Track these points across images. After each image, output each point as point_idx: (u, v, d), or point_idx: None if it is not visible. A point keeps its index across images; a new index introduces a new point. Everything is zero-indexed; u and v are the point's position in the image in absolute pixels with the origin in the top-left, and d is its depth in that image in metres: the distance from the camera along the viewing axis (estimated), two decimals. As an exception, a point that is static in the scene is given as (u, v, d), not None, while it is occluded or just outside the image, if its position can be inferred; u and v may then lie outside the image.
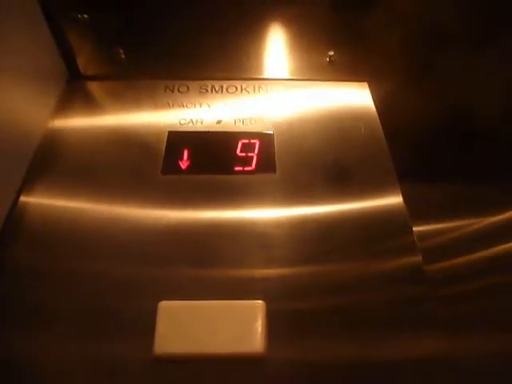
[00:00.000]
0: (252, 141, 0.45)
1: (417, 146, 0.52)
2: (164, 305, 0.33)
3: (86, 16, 0.48)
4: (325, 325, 0.34)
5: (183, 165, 0.43)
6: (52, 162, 0.43)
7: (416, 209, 0.42)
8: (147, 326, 0.32)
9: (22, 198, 0.40)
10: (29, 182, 0.41)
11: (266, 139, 0.45)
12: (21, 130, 0.42)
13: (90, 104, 0.49)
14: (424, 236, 0.46)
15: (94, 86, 0.50)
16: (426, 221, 0.48)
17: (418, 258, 0.37)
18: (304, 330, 0.33)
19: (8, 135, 0.39)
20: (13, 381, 0.31)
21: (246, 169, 0.43)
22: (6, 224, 0.38)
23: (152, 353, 0.31)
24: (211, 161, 0.44)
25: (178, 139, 0.45)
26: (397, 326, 0.34)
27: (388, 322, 0.34)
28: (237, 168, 0.43)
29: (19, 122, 0.42)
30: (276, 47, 0.53)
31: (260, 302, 0.33)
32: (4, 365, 0.31)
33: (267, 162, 0.44)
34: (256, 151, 0.44)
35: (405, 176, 0.44)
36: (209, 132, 0.46)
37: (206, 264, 0.36)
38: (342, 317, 0.34)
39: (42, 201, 0.40)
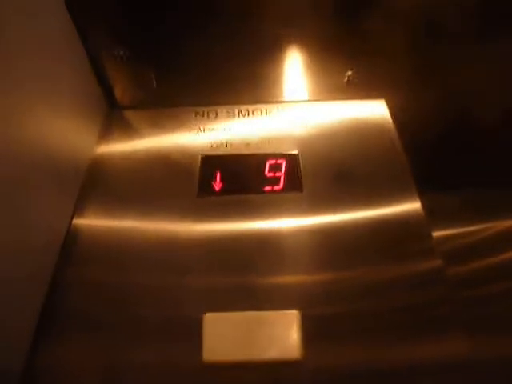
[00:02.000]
0: (279, 161, 0.49)
1: (432, 154, 0.55)
2: (209, 316, 0.37)
3: (121, 53, 0.53)
4: (353, 329, 0.37)
5: (217, 186, 0.47)
6: (99, 185, 0.47)
7: (434, 215, 0.45)
8: (193, 334, 0.36)
9: (75, 221, 0.44)
10: (80, 206, 0.46)
11: (291, 159, 0.49)
12: (69, 158, 0.46)
13: (128, 131, 0.53)
14: (443, 240, 0.49)
15: (130, 115, 0.55)
16: (444, 226, 0.51)
17: (439, 262, 0.40)
18: (335, 336, 0.37)
19: (58, 162, 0.43)
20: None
21: (275, 188, 0.47)
22: (62, 246, 0.42)
23: (201, 360, 0.35)
24: (242, 182, 0.47)
25: (211, 163, 0.49)
26: (421, 328, 0.37)
27: (412, 325, 0.37)
28: (266, 188, 0.47)
29: (67, 150, 0.46)
30: (295, 70, 0.57)
31: (295, 311, 0.37)
32: (59, 372, 0.36)
33: (294, 181, 0.47)
34: (283, 171, 0.48)
35: (423, 184, 0.47)
36: (238, 155, 0.50)
37: (242, 275, 0.40)
38: (368, 321, 0.37)
39: (92, 222, 0.45)
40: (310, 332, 0.36)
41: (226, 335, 0.36)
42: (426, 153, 0.56)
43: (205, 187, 0.47)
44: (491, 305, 0.46)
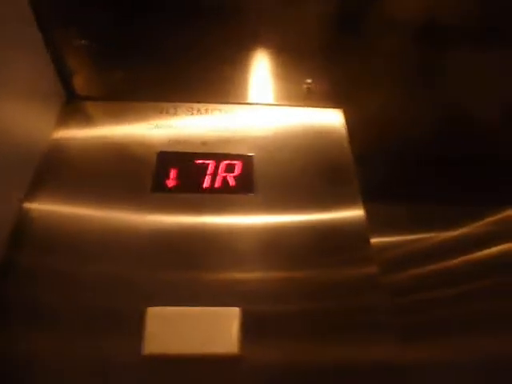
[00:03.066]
0: (234, 162, 0.50)
1: (382, 166, 0.58)
2: (152, 310, 0.37)
3: (83, 42, 0.52)
4: (291, 329, 0.39)
5: (170, 183, 0.48)
6: (53, 172, 0.47)
7: (377, 224, 0.47)
8: (135, 326, 0.37)
9: (26, 205, 0.44)
10: (32, 191, 0.45)
11: (247, 161, 0.50)
12: (22, 144, 0.46)
13: (86, 122, 0.53)
14: (382, 248, 0.52)
15: (89, 106, 0.55)
16: (385, 234, 0.54)
17: (374, 269, 0.43)
18: (274, 334, 0.38)
19: (10, 147, 0.43)
20: (12, 378, 0.35)
21: (228, 188, 0.48)
22: (12, 231, 0.42)
23: (140, 353, 0.35)
24: (196, 180, 0.48)
25: (166, 159, 0.50)
26: (352, 331, 0.39)
27: (344, 328, 0.39)
28: (219, 187, 0.48)
29: (22, 137, 0.45)
30: (259, 74, 0.58)
31: (236, 308, 0.38)
32: (5, 362, 0.35)
33: (247, 183, 0.48)
34: (237, 172, 0.49)
35: (369, 195, 0.50)
36: (194, 153, 0.51)
37: (189, 270, 0.41)
38: (306, 322, 0.39)
39: (44, 207, 0.44)
40: (250, 329, 0.38)
41: (167, 329, 0.37)
42: (375, 165, 0.59)
43: (159, 183, 0.47)
44: (424, 312, 0.49)
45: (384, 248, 0.51)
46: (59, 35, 0.49)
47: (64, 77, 0.53)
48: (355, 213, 0.47)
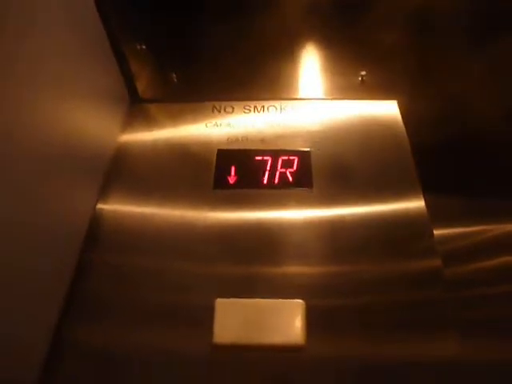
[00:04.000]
0: (291, 157, 0.51)
1: (440, 157, 0.57)
2: (220, 302, 0.40)
3: (143, 46, 0.55)
4: (353, 322, 0.40)
5: (231, 180, 0.49)
6: (122, 174, 0.50)
7: (437, 215, 0.47)
8: (204, 319, 0.39)
9: (99, 206, 0.48)
10: (104, 192, 0.49)
11: (304, 156, 0.51)
12: (92, 148, 0.49)
13: (149, 123, 0.56)
14: (444, 240, 0.51)
15: (151, 108, 0.57)
16: (445, 226, 0.53)
17: (438, 262, 0.42)
18: (336, 326, 0.39)
19: (81, 152, 0.46)
20: (91, 371, 0.38)
21: (286, 184, 0.49)
22: (87, 231, 0.45)
23: (211, 342, 0.38)
24: (255, 176, 0.50)
25: (226, 156, 0.51)
26: (414, 326, 0.39)
27: (406, 322, 0.39)
28: (278, 183, 0.49)
29: (91, 140, 0.49)
30: (311, 69, 0.58)
31: (300, 301, 0.39)
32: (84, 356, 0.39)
33: (305, 178, 0.49)
34: (295, 167, 0.50)
35: (428, 186, 0.49)
36: (253, 150, 0.52)
37: (252, 264, 0.43)
38: (368, 315, 0.40)
39: (115, 208, 0.48)
40: (314, 321, 0.39)
41: (235, 320, 0.39)
42: (433, 155, 0.57)
43: (220, 180, 0.49)
44: (486, 307, 0.48)
45: (444, 241, 0.50)
46: (123, 40, 0.52)
47: (128, 80, 0.56)
48: (416, 204, 0.46)
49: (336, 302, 0.41)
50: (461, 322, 0.39)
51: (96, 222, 0.46)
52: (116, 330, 0.40)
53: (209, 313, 0.39)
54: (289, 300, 0.40)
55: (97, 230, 0.46)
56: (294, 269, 0.43)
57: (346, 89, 0.59)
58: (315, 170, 0.50)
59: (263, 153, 0.52)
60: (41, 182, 0.37)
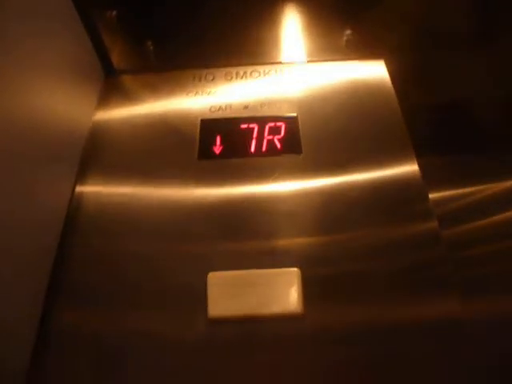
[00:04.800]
0: (278, 124, 0.49)
1: (431, 119, 0.55)
2: (213, 275, 0.38)
3: (114, 12, 0.52)
4: (352, 289, 0.38)
5: (217, 150, 0.47)
6: (100, 152, 0.48)
7: (431, 178, 0.45)
8: (197, 294, 0.37)
9: (78, 189, 0.45)
10: (82, 173, 0.46)
11: (291, 121, 0.49)
12: (67, 126, 0.46)
13: (128, 96, 0.53)
14: (439, 202, 0.50)
15: (128, 80, 0.54)
16: (441, 188, 0.51)
17: (435, 224, 0.41)
18: (335, 294, 0.38)
19: (56, 131, 0.43)
20: (79, 358, 0.36)
21: (274, 151, 0.47)
22: (67, 215, 0.43)
23: (205, 317, 0.36)
24: (241, 145, 0.48)
25: (210, 126, 0.49)
26: (414, 289, 0.38)
27: (406, 286, 0.38)
28: (265, 150, 0.47)
29: (65, 118, 0.46)
30: (294, 31, 0.56)
31: (295, 269, 0.38)
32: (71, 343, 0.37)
33: (293, 144, 0.47)
34: (282, 134, 0.48)
35: (419, 148, 0.47)
36: (237, 118, 0.50)
37: (243, 237, 0.41)
38: (366, 281, 0.39)
39: (94, 189, 0.45)
40: (311, 290, 0.38)
41: (229, 292, 0.37)
42: (423, 116, 0.56)
43: (205, 151, 0.47)
44: (486, 265, 0.47)
45: (439, 202, 0.49)
46: (92, 7, 0.48)
47: (100, 51, 0.52)
48: (410, 168, 0.45)
49: (332, 269, 0.39)
50: (461, 281, 0.38)
51: (75, 206, 0.44)
52: (105, 315, 0.38)
53: (202, 291, 0.38)
54: (283, 269, 0.38)
55: (77, 214, 0.43)
56: (287, 239, 0.41)
57: (332, 50, 0.57)
58: (303, 136, 0.48)
59: (248, 120, 0.49)
60: (10, 169, 0.35)
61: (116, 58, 0.54)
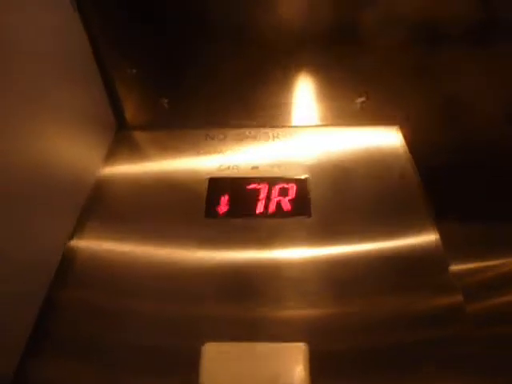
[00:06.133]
0: (287, 185, 0.47)
1: (451, 184, 0.53)
2: (209, 346, 0.34)
3: (134, 71, 0.53)
4: (362, 365, 0.34)
5: (222, 209, 0.45)
6: (102, 207, 0.46)
7: (453, 247, 0.42)
8: (191, 364, 0.33)
9: (74, 242, 0.43)
10: (80, 226, 0.44)
11: (301, 184, 0.48)
12: (73, 176, 0.45)
13: (138, 152, 0.52)
14: (461, 275, 0.46)
15: (140, 136, 0.54)
16: (463, 259, 0.48)
17: (459, 297, 0.38)
18: (343, 372, 0.34)
19: (61, 179, 0.42)
20: None
21: (283, 211, 0.45)
22: (59, 265, 0.41)
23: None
24: (249, 205, 0.46)
25: (218, 185, 0.48)
26: (437, 367, 0.34)
27: (428, 363, 0.34)
28: (273, 212, 0.45)
29: (72, 167, 0.45)
30: (307, 95, 0.56)
31: (302, 344, 0.34)
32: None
33: (303, 206, 0.45)
34: (292, 195, 0.46)
35: (440, 215, 0.45)
36: (246, 177, 0.49)
37: (246, 305, 0.38)
38: (381, 358, 0.35)
39: (91, 244, 0.43)
40: (318, 367, 0.33)
41: (226, 367, 0.33)
42: (439, 182, 0.54)
43: (212, 209, 0.45)
44: (508, 347, 0.43)
45: (461, 275, 0.46)
46: (111, 63, 0.50)
47: (115, 107, 0.53)
48: (429, 237, 0.42)
49: (342, 344, 0.35)
50: (487, 361, 0.34)
51: (69, 259, 0.41)
52: (88, 375, 0.34)
53: (194, 360, 0.34)
54: (289, 343, 0.34)
55: (69, 267, 0.41)
56: (293, 310, 0.38)
57: (344, 115, 0.56)
58: (313, 199, 0.46)
59: (257, 180, 0.48)
60: (11, 209, 0.33)
61: (130, 113, 0.55)
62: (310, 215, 0.45)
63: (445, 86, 0.54)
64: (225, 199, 0.46)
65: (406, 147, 0.52)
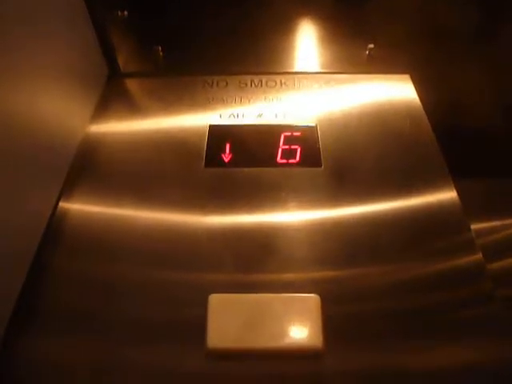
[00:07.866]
0: (295, 133, 0.44)
1: (466, 138, 0.50)
2: (215, 297, 0.32)
3: (125, 13, 0.48)
4: (379, 328, 0.32)
5: (226, 158, 0.42)
6: (92, 165, 0.42)
7: (470, 205, 0.40)
8: (197, 328, 0.31)
9: (62, 204, 0.39)
10: (69, 187, 0.40)
11: (309, 132, 0.44)
12: (63, 130, 0.41)
13: (130, 102, 0.48)
14: (479, 234, 0.43)
15: (133, 84, 0.50)
16: (480, 218, 0.45)
17: (479, 256, 0.35)
18: (357, 332, 0.31)
19: (50, 135, 0.38)
20: None
21: (291, 161, 0.42)
22: (46, 229, 0.37)
23: (204, 349, 0.30)
24: (254, 154, 0.43)
25: (220, 133, 0.44)
26: (457, 329, 0.32)
27: (448, 326, 0.32)
28: (280, 160, 0.42)
29: (61, 120, 0.41)
30: (315, 41, 0.53)
31: (315, 295, 0.32)
32: (43, 367, 0.30)
33: (312, 156, 0.42)
34: (300, 144, 0.43)
35: (456, 171, 0.42)
36: (250, 125, 0.45)
37: (253, 266, 0.35)
38: (398, 320, 0.32)
39: (81, 207, 0.39)
40: (329, 327, 0.31)
41: (233, 319, 0.31)
42: (454, 135, 0.51)
43: (213, 159, 0.42)
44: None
45: (480, 233, 0.43)
46: (103, 6, 0.45)
47: (107, 52, 0.48)
48: (447, 192, 0.39)
49: (357, 305, 0.33)
50: (508, 321, 0.32)
51: (57, 222, 0.37)
52: (82, 344, 0.31)
53: (201, 320, 0.31)
54: (301, 294, 0.32)
55: (57, 231, 0.37)
56: (305, 270, 0.35)
57: (352, 62, 0.53)
58: (323, 149, 0.43)
59: (262, 128, 0.45)
60: None
61: (123, 60, 0.50)
62: (320, 166, 0.42)
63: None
64: (227, 148, 0.43)
65: (417, 97, 0.49)
